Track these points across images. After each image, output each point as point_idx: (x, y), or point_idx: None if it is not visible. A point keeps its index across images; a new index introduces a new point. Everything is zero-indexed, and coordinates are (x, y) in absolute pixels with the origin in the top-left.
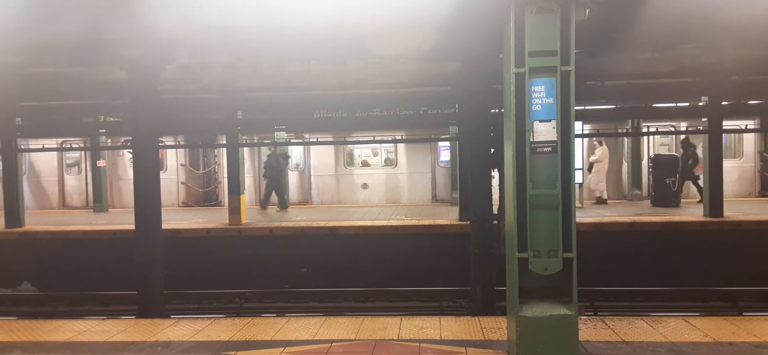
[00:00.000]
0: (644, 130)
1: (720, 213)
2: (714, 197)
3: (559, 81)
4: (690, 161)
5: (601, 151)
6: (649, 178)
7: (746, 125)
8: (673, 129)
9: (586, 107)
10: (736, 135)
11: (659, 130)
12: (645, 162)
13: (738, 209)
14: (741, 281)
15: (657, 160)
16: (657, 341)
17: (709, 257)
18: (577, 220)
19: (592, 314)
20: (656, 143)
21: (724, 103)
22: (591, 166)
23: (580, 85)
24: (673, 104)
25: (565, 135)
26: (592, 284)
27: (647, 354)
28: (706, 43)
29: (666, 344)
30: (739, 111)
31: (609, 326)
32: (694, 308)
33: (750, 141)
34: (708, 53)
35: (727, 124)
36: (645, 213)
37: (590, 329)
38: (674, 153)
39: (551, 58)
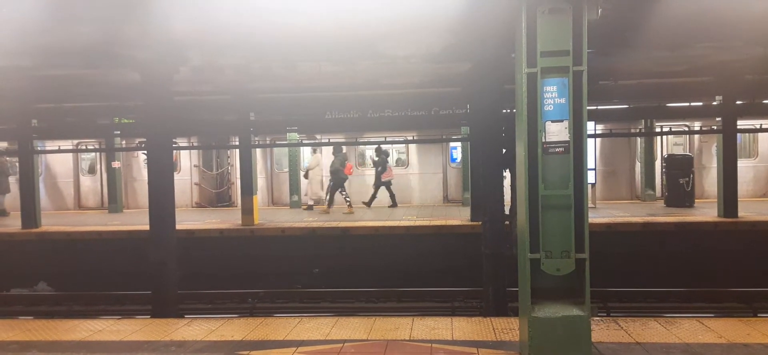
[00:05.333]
0: (657, 129)
1: (734, 213)
2: (728, 198)
3: (571, 81)
4: (379, 168)
5: (314, 159)
6: (662, 178)
7: (761, 125)
8: (686, 129)
9: (599, 107)
10: (751, 135)
11: (672, 129)
12: (658, 162)
13: (753, 209)
14: (756, 281)
15: (670, 160)
16: (671, 342)
17: (723, 257)
18: (590, 220)
19: (605, 314)
20: (670, 143)
21: (738, 102)
22: (306, 173)
23: (592, 85)
24: (687, 104)
25: (578, 135)
26: (605, 285)
27: None
28: (720, 41)
29: (680, 345)
30: (753, 110)
31: (622, 327)
32: (708, 309)
33: (765, 141)
34: (721, 52)
35: (742, 123)
36: (659, 213)
37: (603, 330)
38: (688, 153)
39: (563, 58)
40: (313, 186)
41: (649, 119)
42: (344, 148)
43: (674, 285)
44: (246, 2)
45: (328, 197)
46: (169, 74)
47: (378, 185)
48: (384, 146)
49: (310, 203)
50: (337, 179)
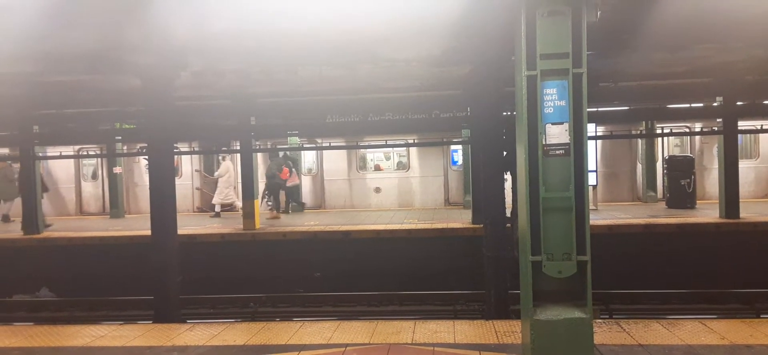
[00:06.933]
0: (658, 131)
1: (736, 214)
2: (730, 199)
3: (571, 83)
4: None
5: (224, 166)
6: (663, 179)
7: (762, 125)
8: (687, 130)
9: (599, 109)
10: (752, 135)
11: (673, 131)
12: (659, 164)
13: (754, 210)
14: (758, 282)
15: (671, 162)
16: (673, 344)
17: (725, 258)
18: (591, 222)
19: (607, 317)
20: (671, 144)
21: (739, 103)
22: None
23: (592, 87)
24: (688, 105)
25: (578, 137)
26: (607, 287)
27: None
28: (720, 43)
29: (682, 347)
30: (754, 111)
31: (624, 329)
32: (711, 311)
33: (766, 141)
34: (722, 53)
35: (743, 124)
36: (660, 215)
37: (605, 333)
38: (689, 154)
39: (563, 60)
40: (223, 192)
41: (649, 121)
42: (281, 153)
43: (676, 287)
44: (247, 8)
45: (269, 201)
46: (170, 79)
47: (284, 189)
48: (289, 152)
49: (218, 209)
50: (272, 184)
